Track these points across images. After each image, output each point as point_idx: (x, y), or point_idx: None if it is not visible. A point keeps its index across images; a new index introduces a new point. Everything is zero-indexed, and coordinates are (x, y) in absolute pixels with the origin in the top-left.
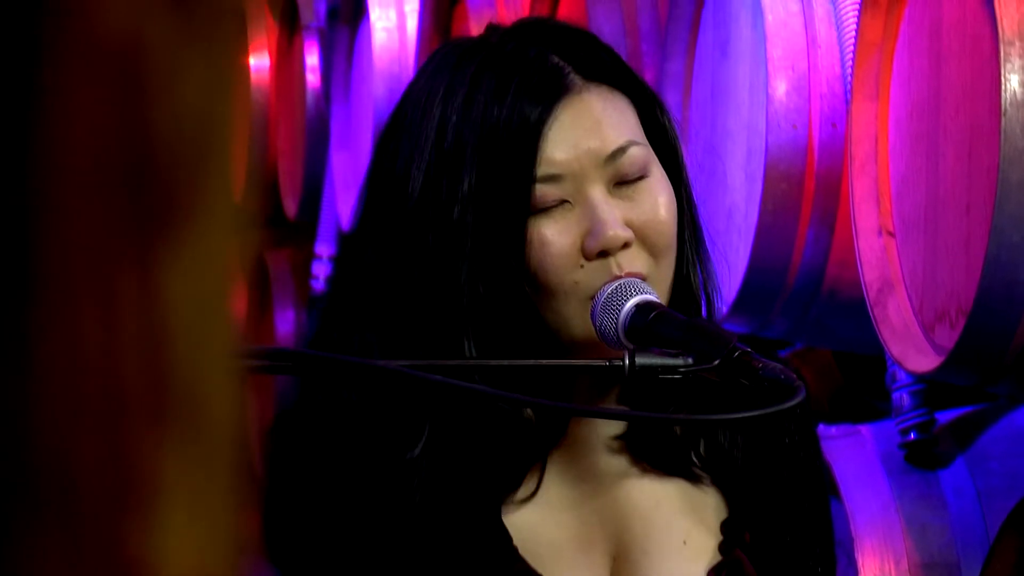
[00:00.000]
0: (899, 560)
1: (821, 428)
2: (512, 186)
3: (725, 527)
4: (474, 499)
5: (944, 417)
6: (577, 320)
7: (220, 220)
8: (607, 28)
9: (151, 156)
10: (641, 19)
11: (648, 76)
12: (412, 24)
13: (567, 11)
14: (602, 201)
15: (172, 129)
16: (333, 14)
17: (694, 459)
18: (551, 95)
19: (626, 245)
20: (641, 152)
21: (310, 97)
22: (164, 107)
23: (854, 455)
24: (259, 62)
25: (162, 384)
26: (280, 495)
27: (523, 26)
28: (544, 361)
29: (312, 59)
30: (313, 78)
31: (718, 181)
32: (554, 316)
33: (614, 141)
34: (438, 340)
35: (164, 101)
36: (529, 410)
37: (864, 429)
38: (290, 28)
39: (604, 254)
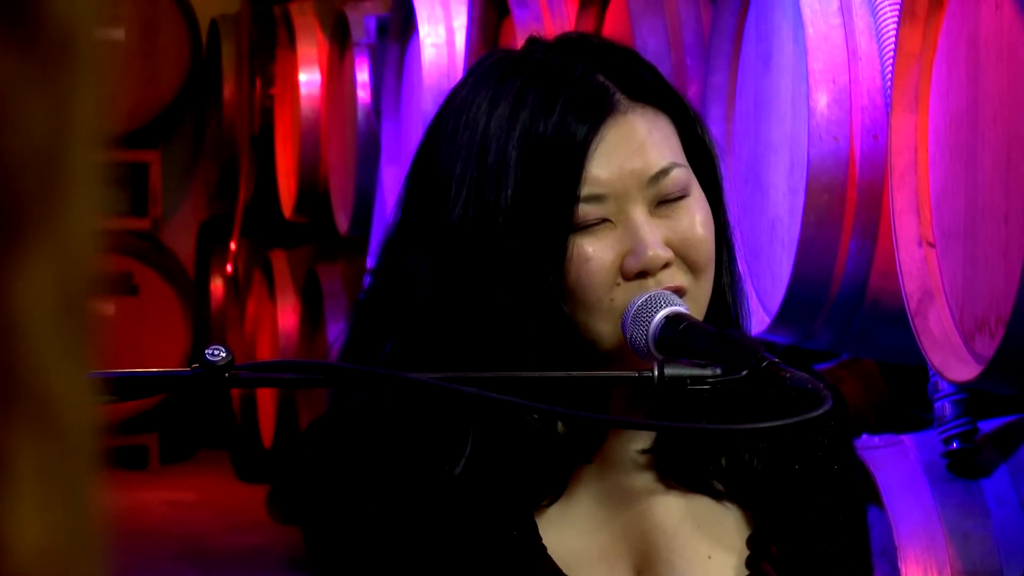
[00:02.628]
0: (942, 569)
1: (864, 438)
2: (555, 202)
3: (751, 541)
4: (507, 502)
5: (986, 426)
6: (610, 337)
7: (74, 239)
8: (652, 42)
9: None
10: (685, 33)
11: (692, 89)
12: (460, 40)
13: (612, 25)
14: (644, 222)
15: (17, 160)
16: (383, 31)
17: (716, 474)
18: (597, 114)
19: (666, 265)
20: (682, 174)
21: (361, 113)
22: (9, 140)
23: (897, 465)
24: (310, 78)
25: (15, 380)
26: (317, 500)
27: (567, 42)
28: (574, 373)
29: (363, 75)
30: (364, 94)
31: (761, 193)
32: (587, 332)
33: (657, 163)
34: (472, 350)
35: (8, 134)
36: (560, 424)
37: (907, 439)
38: (341, 45)
39: (643, 274)
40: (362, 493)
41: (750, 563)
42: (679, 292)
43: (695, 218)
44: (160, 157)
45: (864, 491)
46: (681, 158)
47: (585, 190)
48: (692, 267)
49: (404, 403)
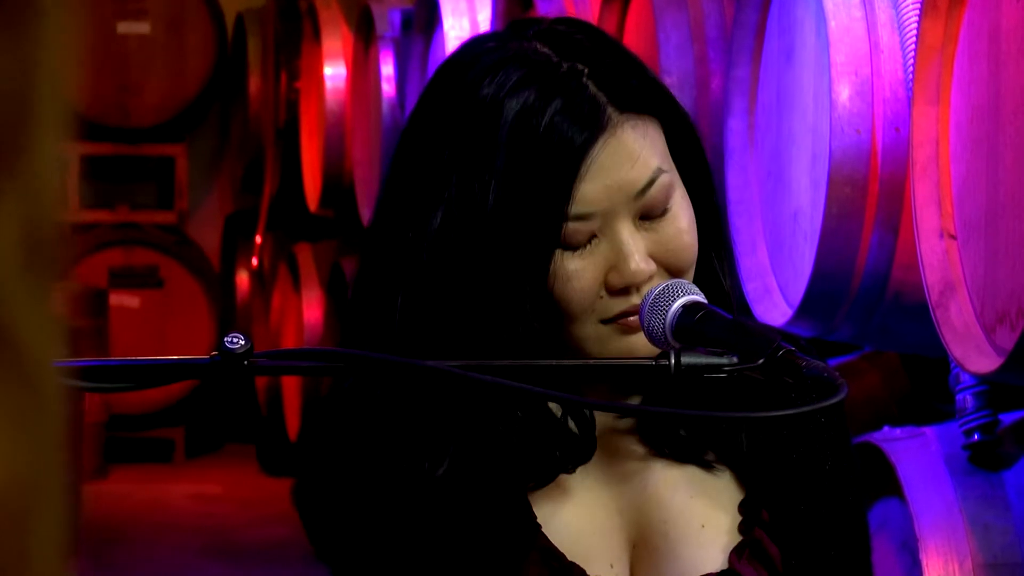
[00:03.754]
0: (963, 560)
1: (886, 430)
2: (543, 219)
3: (742, 507)
4: (501, 484)
5: (1008, 418)
6: (592, 340)
7: (40, 184)
8: (675, 36)
9: None
10: (708, 27)
11: (715, 82)
12: None
13: (636, 19)
14: (629, 237)
15: None
16: (407, 24)
17: (707, 444)
18: (589, 131)
19: (650, 276)
20: (666, 180)
21: (385, 106)
22: None
23: (918, 456)
24: (335, 72)
25: None
26: (312, 482)
27: (556, 37)
28: (591, 360)
29: (387, 69)
30: (388, 87)
31: (784, 186)
32: (568, 337)
33: (644, 176)
34: (458, 341)
35: None
36: (572, 423)
37: (928, 431)
38: (365, 38)
39: (626, 289)
40: (354, 474)
41: (743, 529)
42: None
43: (679, 225)
44: (186, 151)
45: (857, 462)
46: (665, 161)
47: (574, 209)
48: (674, 273)
49: (394, 388)
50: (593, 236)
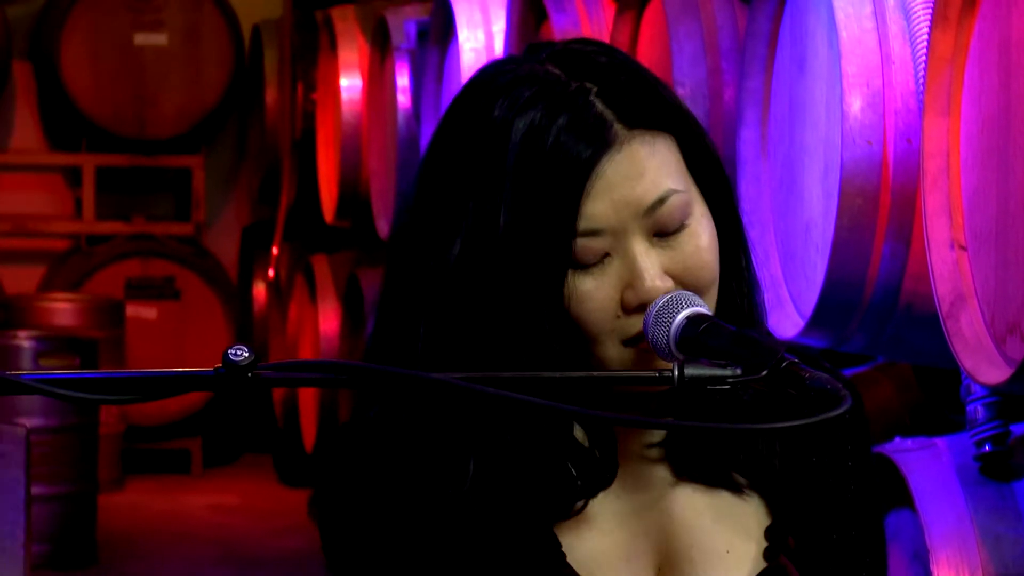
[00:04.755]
0: (974, 572)
1: (897, 441)
2: (552, 239)
3: (768, 533)
4: (524, 510)
5: (1019, 429)
6: (616, 363)
7: None
8: (688, 46)
9: None
10: (721, 37)
11: (728, 93)
12: (499, 44)
13: (649, 30)
14: (642, 254)
15: None
16: (423, 36)
17: (735, 466)
18: (595, 148)
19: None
20: (680, 200)
21: (401, 117)
22: None
23: (930, 467)
24: (351, 83)
25: None
26: (334, 505)
27: (571, 56)
28: (596, 373)
29: (403, 80)
30: (404, 99)
31: (796, 197)
32: (593, 360)
33: (652, 193)
34: (481, 369)
35: None
36: (580, 431)
37: (940, 441)
38: (381, 50)
39: (643, 307)
40: (375, 495)
41: (768, 555)
42: None
43: (698, 243)
44: (203, 162)
45: (879, 487)
46: (680, 181)
47: (583, 226)
48: (695, 291)
49: (419, 416)
50: (606, 255)
